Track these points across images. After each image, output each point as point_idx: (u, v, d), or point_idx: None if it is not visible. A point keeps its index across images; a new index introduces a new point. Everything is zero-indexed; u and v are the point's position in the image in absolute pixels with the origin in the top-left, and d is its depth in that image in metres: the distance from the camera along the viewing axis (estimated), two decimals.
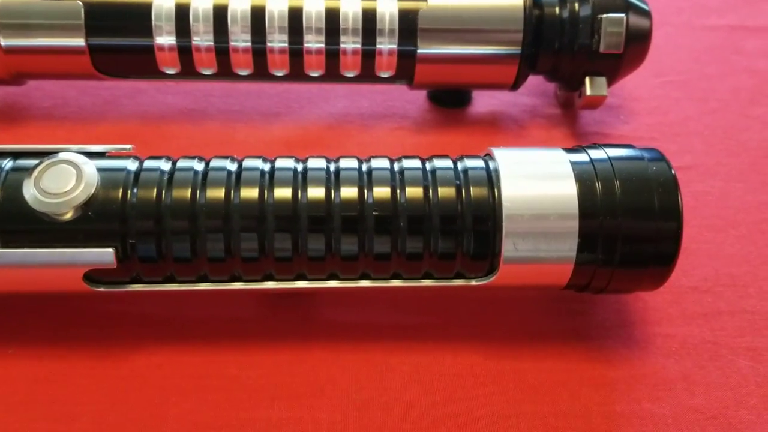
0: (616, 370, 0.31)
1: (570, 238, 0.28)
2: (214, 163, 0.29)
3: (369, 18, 0.36)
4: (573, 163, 0.29)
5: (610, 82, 0.38)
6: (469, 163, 0.29)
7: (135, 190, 0.27)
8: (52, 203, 0.27)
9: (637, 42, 0.37)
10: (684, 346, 0.32)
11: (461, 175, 0.29)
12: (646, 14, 0.38)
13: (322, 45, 0.37)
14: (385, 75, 0.38)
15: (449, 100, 0.42)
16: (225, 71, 0.38)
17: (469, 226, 0.28)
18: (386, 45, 0.37)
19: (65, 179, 0.27)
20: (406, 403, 0.29)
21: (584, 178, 0.28)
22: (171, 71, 0.38)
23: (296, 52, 0.37)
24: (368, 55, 0.37)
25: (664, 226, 0.28)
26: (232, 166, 0.29)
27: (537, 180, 0.28)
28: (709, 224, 0.37)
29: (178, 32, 0.36)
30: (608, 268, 0.28)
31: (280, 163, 0.29)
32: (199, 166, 0.29)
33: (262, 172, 0.28)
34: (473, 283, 0.29)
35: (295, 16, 0.36)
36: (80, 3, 0.36)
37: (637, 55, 0.38)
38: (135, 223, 0.27)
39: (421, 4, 0.36)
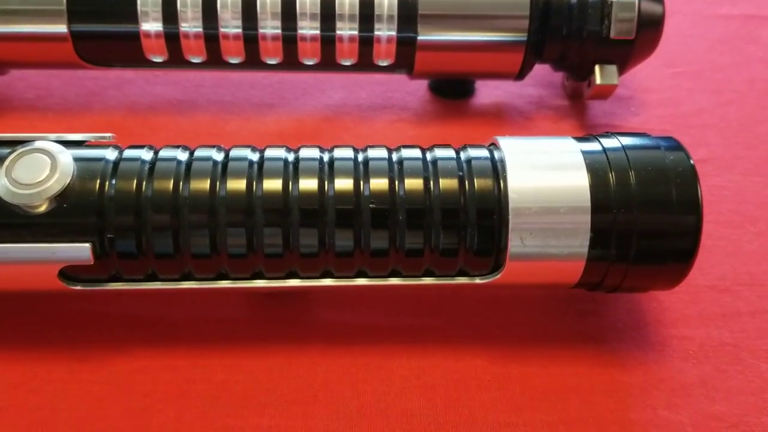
0: (630, 374, 0.30)
1: (581, 233, 0.26)
2: (199, 152, 0.28)
3: (366, 3, 0.35)
4: (584, 153, 0.28)
5: (620, 71, 0.37)
6: (473, 152, 0.28)
7: (114, 181, 0.26)
8: (24, 194, 0.26)
9: (650, 27, 0.36)
10: (702, 348, 0.31)
11: (464, 165, 0.28)
12: None
13: (317, 31, 0.36)
14: (383, 63, 0.38)
15: (451, 90, 0.42)
16: (215, 59, 0.37)
17: (472, 220, 0.27)
18: (385, 31, 0.36)
19: (39, 169, 0.26)
20: (406, 410, 0.28)
21: (597, 168, 0.27)
22: (158, 59, 0.37)
23: (290, 39, 0.36)
24: (366, 42, 0.36)
25: (682, 220, 0.27)
26: (219, 156, 0.28)
27: (546, 171, 0.27)
28: (726, 220, 0.36)
29: (165, 18, 0.35)
30: (622, 264, 0.27)
31: (270, 152, 0.28)
32: (183, 156, 0.28)
33: (251, 162, 0.27)
34: (477, 281, 0.28)
35: (289, 0, 0.35)
36: None
37: (649, 41, 0.37)
38: (113, 217, 0.26)
39: None
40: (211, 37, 0.36)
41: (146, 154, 0.28)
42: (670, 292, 0.32)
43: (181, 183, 0.26)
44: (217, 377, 0.29)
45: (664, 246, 0.27)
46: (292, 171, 0.27)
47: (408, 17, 0.36)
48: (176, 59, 0.37)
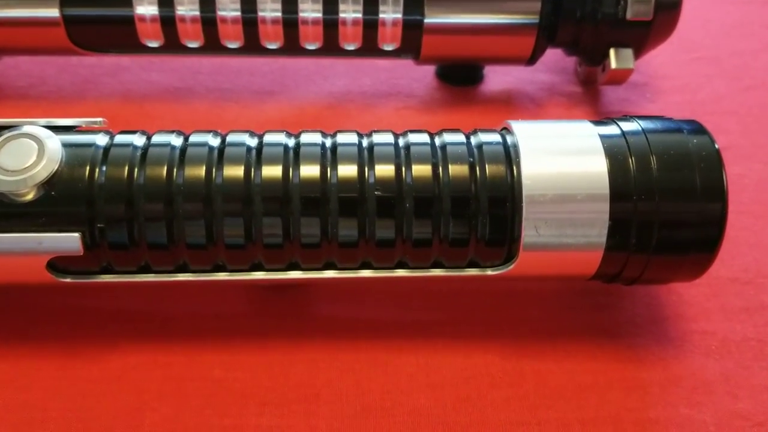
0: (649, 371, 0.29)
1: (599, 222, 0.26)
2: (194, 137, 0.27)
3: None
4: (602, 137, 0.27)
5: (636, 55, 0.37)
6: (484, 137, 0.27)
7: (104, 168, 0.26)
8: (10, 181, 0.25)
9: (668, 8, 0.35)
10: (725, 344, 0.30)
11: (475, 151, 0.27)
12: None
13: (320, 14, 0.35)
14: (388, 48, 0.37)
15: (459, 77, 0.41)
16: (213, 44, 0.36)
17: (484, 209, 0.26)
18: (390, 14, 0.35)
19: (25, 155, 0.25)
20: (413, 409, 0.28)
21: (615, 153, 0.26)
22: (154, 44, 0.36)
23: (291, 22, 0.35)
24: (370, 25, 0.35)
25: (706, 208, 0.26)
26: (215, 142, 0.27)
27: (561, 156, 0.26)
28: (748, 210, 0.35)
29: (161, 0, 0.34)
30: (643, 255, 0.26)
31: (269, 137, 0.27)
32: (177, 142, 0.27)
33: (249, 148, 0.27)
34: (489, 272, 0.27)
35: None
36: None
37: (667, 23, 0.36)
38: (104, 205, 0.25)
39: None
40: (209, 20, 0.35)
41: (138, 140, 0.27)
42: (690, 285, 0.31)
43: (175, 170, 0.26)
44: (215, 374, 0.28)
45: (687, 235, 0.26)
46: (292, 157, 0.26)
47: None
48: (173, 44, 0.36)
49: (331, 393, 0.28)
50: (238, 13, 0.35)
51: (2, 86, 0.40)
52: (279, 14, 0.35)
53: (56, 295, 0.30)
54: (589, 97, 0.40)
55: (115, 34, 0.36)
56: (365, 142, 0.27)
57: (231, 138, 0.27)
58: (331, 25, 0.35)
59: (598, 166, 0.26)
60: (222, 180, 0.26)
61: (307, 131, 0.28)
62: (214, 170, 0.26)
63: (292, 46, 0.36)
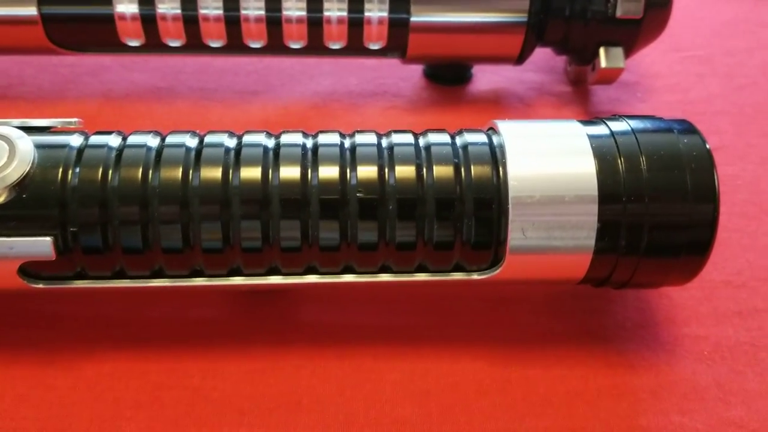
0: (639, 377, 0.29)
1: (588, 224, 0.25)
2: (171, 138, 0.27)
3: None
4: (591, 137, 0.26)
5: (627, 54, 0.37)
6: (470, 137, 0.27)
7: (78, 170, 0.25)
8: None
9: (658, 6, 0.35)
10: (717, 349, 0.30)
11: (460, 151, 0.26)
12: None
13: (304, 12, 0.35)
14: (374, 47, 0.37)
15: (447, 76, 0.41)
16: (195, 43, 0.36)
17: (469, 211, 0.26)
18: (376, 12, 0.35)
19: None
20: (398, 417, 0.27)
21: (604, 153, 0.26)
22: (135, 43, 0.36)
23: (274, 21, 0.35)
24: (355, 23, 0.35)
25: (698, 209, 0.26)
26: (192, 142, 0.26)
27: (549, 156, 0.26)
28: (741, 211, 0.35)
29: None
30: (632, 258, 0.26)
31: (248, 138, 0.27)
32: (154, 142, 0.26)
33: (227, 148, 0.26)
34: (475, 277, 0.27)
35: None
36: None
37: (657, 21, 0.36)
38: (77, 208, 0.25)
39: None
40: (190, 18, 0.35)
41: (114, 140, 0.26)
42: (681, 289, 0.31)
43: (150, 171, 0.25)
44: (193, 383, 0.28)
45: (678, 237, 0.26)
46: (272, 158, 0.26)
47: None
48: (154, 43, 0.36)
49: (313, 401, 0.28)
50: (221, 11, 0.34)
51: None
52: (262, 12, 0.34)
53: (28, 301, 0.30)
54: (579, 96, 0.40)
55: (94, 33, 0.36)
56: (347, 143, 0.27)
57: (209, 139, 0.27)
58: (315, 23, 0.35)
59: (587, 167, 0.25)
60: (199, 182, 0.25)
61: (288, 132, 0.27)
62: (191, 172, 0.25)
63: (276, 45, 0.36)
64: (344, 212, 0.25)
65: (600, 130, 0.27)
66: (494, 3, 0.35)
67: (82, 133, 0.27)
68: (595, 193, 0.25)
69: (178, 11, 0.34)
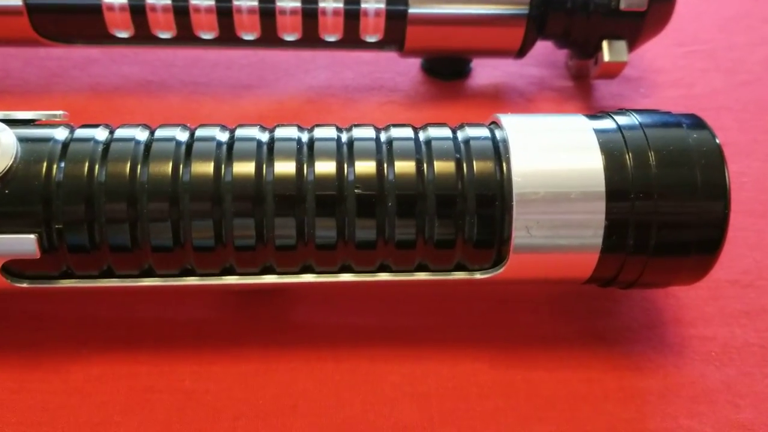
0: (646, 379, 0.29)
1: (595, 222, 0.25)
2: (160, 132, 0.26)
3: None
4: (597, 132, 0.26)
5: (630, 47, 0.36)
6: (472, 132, 0.27)
7: (63, 164, 0.25)
8: None
9: None
10: (725, 350, 0.30)
11: (462, 146, 0.26)
12: None
13: (298, 4, 0.35)
14: (371, 39, 0.36)
15: (446, 70, 0.41)
16: (186, 35, 0.36)
17: (471, 208, 0.25)
18: (372, 3, 0.35)
19: None
20: (397, 421, 0.27)
21: (611, 148, 0.25)
22: (124, 35, 0.36)
23: (268, 12, 0.35)
24: (352, 15, 0.35)
25: (708, 206, 0.25)
26: (183, 136, 0.26)
27: (554, 152, 0.25)
28: (747, 209, 0.35)
29: None
30: (640, 257, 0.26)
31: (241, 132, 0.26)
32: (142, 136, 0.26)
33: (219, 143, 0.26)
34: (477, 276, 0.27)
35: None
36: None
37: (661, 14, 0.35)
38: (62, 204, 0.24)
39: None
40: (181, 9, 0.34)
41: (101, 134, 0.26)
42: (689, 288, 0.31)
43: (139, 166, 0.25)
44: (184, 386, 0.28)
45: (688, 236, 0.25)
46: (266, 153, 0.25)
47: None
48: (143, 35, 0.35)
49: (309, 405, 0.27)
50: (213, 2, 0.34)
51: None
52: (255, 3, 0.34)
53: (13, 301, 0.30)
54: (581, 91, 0.40)
55: (82, 24, 0.35)
56: (345, 137, 0.26)
57: (200, 132, 0.26)
58: (310, 14, 0.35)
59: (593, 163, 0.25)
60: (190, 177, 0.25)
61: (283, 125, 0.27)
62: (181, 167, 0.25)
63: (269, 38, 0.36)
64: (341, 209, 0.25)
65: (607, 124, 0.26)
66: None
67: (67, 126, 0.26)
68: (603, 189, 0.25)
69: (169, 1, 0.34)
